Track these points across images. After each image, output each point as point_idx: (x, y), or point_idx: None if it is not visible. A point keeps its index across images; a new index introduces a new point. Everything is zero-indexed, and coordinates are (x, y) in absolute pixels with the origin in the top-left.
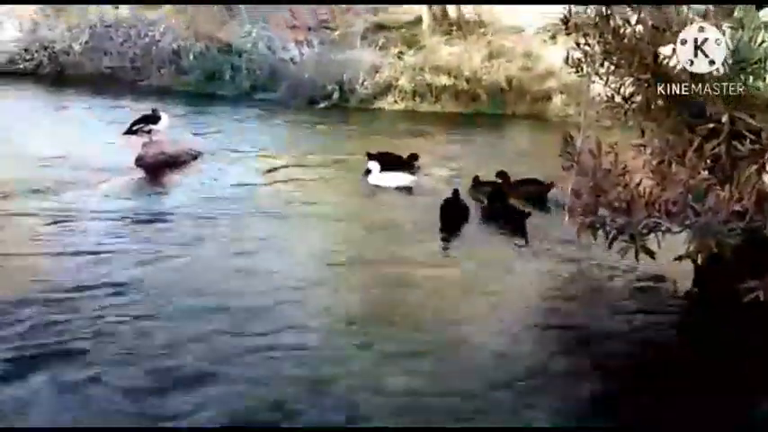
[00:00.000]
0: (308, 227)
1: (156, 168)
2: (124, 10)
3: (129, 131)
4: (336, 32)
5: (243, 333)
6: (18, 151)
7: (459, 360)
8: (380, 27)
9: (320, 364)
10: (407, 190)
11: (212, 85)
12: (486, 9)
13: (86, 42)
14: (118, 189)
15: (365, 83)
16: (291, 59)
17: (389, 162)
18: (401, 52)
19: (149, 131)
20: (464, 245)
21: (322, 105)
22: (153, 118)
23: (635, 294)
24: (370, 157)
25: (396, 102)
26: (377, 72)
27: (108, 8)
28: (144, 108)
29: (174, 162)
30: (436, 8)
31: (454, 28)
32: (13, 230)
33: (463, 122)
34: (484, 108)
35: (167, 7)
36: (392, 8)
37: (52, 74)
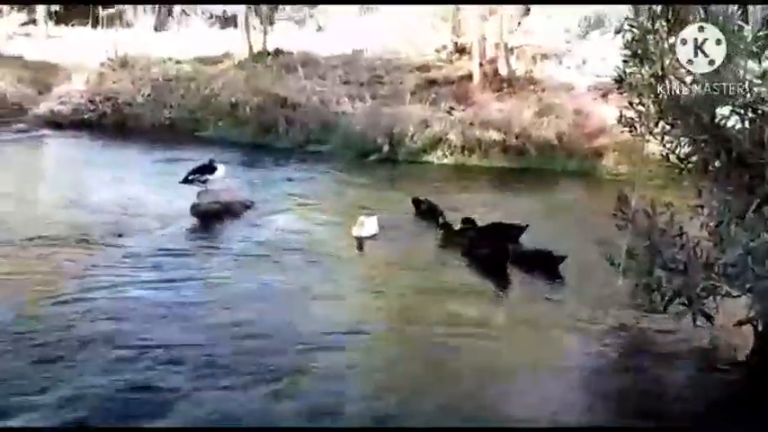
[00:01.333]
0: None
1: (210, 216)
2: (186, 65)
3: (186, 180)
4: (388, 87)
5: None
6: (80, 198)
7: None
8: (431, 83)
9: None
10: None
11: (267, 137)
12: (537, 67)
13: (148, 95)
14: (173, 235)
15: (415, 137)
16: (343, 113)
17: (429, 210)
18: (451, 107)
19: (205, 181)
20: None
21: (372, 158)
22: (209, 168)
23: (689, 360)
24: (416, 202)
25: (444, 156)
26: (426, 126)
27: (170, 63)
28: (201, 158)
29: (228, 211)
30: (487, 65)
31: (505, 84)
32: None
33: (512, 177)
34: (533, 163)
35: (227, 63)
36: (444, 65)
37: (115, 124)
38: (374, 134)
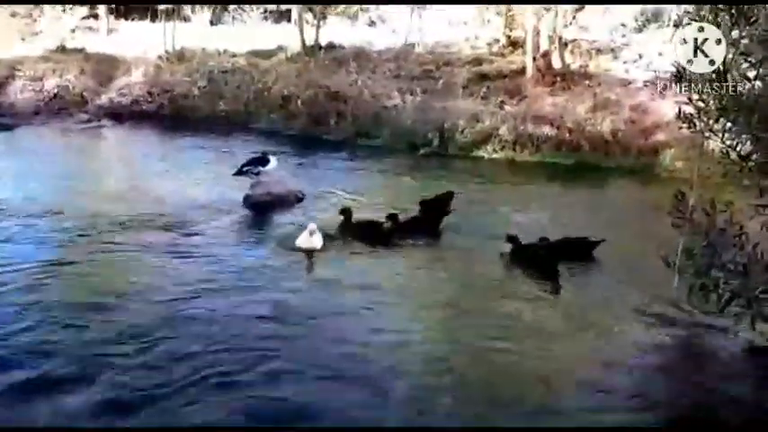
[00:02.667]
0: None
1: (262, 208)
2: (240, 58)
3: (239, 172)
4: (440, 82)
5: None
6: (135, 188)
7: None
8: (483, 77)
9: None
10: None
11: (318, 129)
12: (592, 61)
13: (204, 87)
14: (226, 226)
15: (465, 131)
16: (395, 107)
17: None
18: (503, 102)
19: (257, 173)
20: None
21: (422, 152)
22: (262, 160)
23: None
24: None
25: (495, 150)
26: (477, 121)
27: (225, 56)
28: (254, 150)
29: (280, 202)
30: (540, 59)
31: (558, 79)
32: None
33: (563, 174)
34: (587, 160)
35: (281, 56)
36: (496, 59)
37: (172, 115)
38: (424, 128)
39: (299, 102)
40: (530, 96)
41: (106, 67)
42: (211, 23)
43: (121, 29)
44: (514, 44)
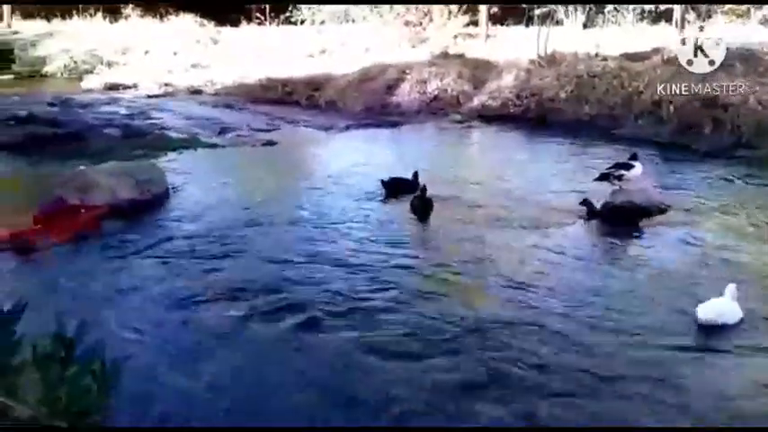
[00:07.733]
0: None
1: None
2: (611, 62)
3: (602, 177)
4: None
5: None
6: (494, 185)
7: None
8: None
9: None
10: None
11: (689, 137)
12: None
13: (571, 91)
14: (579, 232)
15: None
16: None
17: None
18: None
19: (620, 177)
20: None
21: None
22: (626, 165)
23: None
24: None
25: None
26: None
27: (596, 59)
28: (616, 156)
29: (640, 213)
30: None
31: None
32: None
33: None
34: None
35: (655, 59)
36: None
37: (536, 119)
38: None
39: (670, 107)
40: None
41: (481, 72)
42: (584, 26)
43: (499, 34)
44: None
